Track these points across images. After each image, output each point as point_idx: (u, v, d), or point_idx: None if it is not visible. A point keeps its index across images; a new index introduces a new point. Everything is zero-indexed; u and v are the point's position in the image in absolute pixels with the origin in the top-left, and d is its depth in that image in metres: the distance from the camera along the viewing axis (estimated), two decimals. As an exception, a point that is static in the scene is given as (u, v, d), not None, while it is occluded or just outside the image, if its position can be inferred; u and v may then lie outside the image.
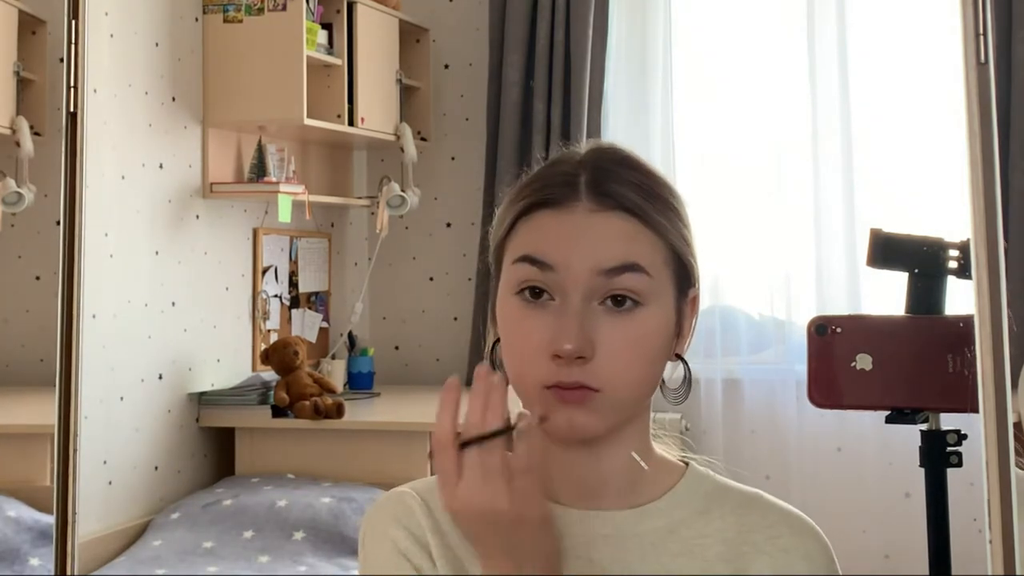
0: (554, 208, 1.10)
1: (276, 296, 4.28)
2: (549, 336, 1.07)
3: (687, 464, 1.20)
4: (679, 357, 1.16)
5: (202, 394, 3.84)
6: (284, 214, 3.93)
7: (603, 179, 1.10)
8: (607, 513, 1.13)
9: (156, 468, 3.63)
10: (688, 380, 1.17)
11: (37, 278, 3.00)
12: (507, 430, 1.02)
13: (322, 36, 4.05)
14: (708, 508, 1.16)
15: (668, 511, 1.15)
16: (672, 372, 1.17)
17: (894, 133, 4.32)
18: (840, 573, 1.16)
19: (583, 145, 1.17)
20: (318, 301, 4.56)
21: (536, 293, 1.09)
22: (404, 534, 1.14)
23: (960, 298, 2.33)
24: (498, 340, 1.15)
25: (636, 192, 1.10)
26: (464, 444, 1.02)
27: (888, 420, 2.34)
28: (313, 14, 3.98)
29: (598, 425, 1.09)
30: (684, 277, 1.13)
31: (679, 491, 1.16)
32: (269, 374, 3.96)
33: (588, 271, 1.07)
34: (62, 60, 1.64)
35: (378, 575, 1.13)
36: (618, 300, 1.08)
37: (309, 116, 3.86)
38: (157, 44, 3.68)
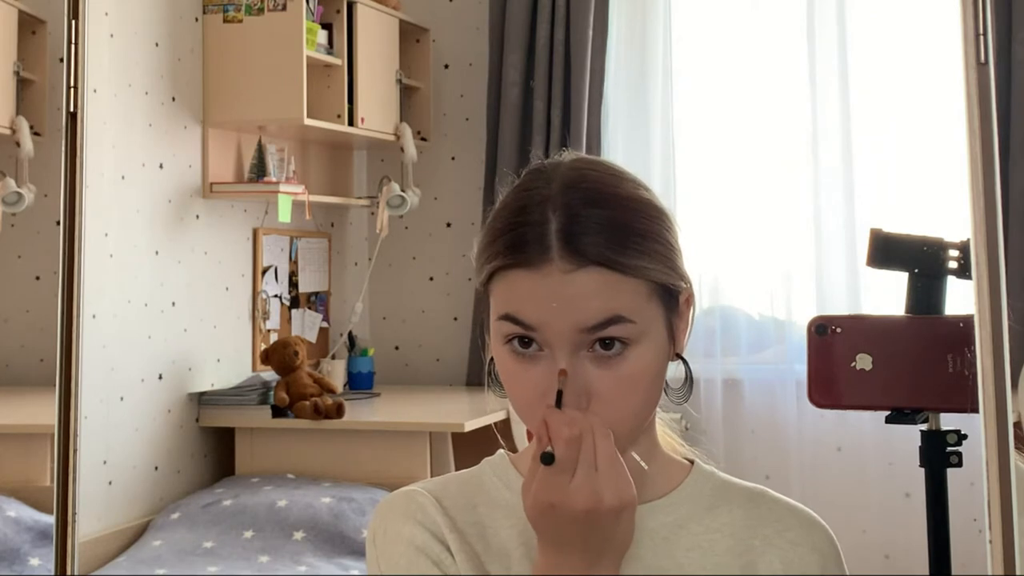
0: (528, 268, 1.07)
1: (276, 296, 4.28)
2: (543, 387, 1.08)
3: (692, 462, 1.21)
4: (679, 356, 1.15)
5: (202, 394, 3.84)
6: (284, 214, 3.93)
7: (574, 231, 1.07)
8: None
9: (156, 468, 3.63)
10: (689, 380, 1.18)
11: (37, 278, 3.00)
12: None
13: (322, 36, 4.05)
14: (715, 504, 1.17)
15: (676, 507, 1.16)
16: (674, 371, 1.17)
17: (894, 134, 4.32)
18: (845, 567, 1.17)
19: (555, 170, 1.13)
20: (318, 301, 4.56)
21: (525, 343, 1.09)
22: (420, 530, 1.13)
23: (960, 298, 2.33)
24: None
25: (609, 239, 1.07)
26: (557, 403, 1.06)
27: (888, 420, 2.34)
28: (313, 14, 3.98)
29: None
30: (671, 294, 1.12)
31: (686, 488, 1.18)
32: (269, 374, 3.96)
33: (570, 331, 1.06)
34: (62, 60, 1.64)
35: (396, 572, 1.12)
36: (606, 344, 1.07)
37: (309, 116, 3.86)
38: (157, 44, 3.68)
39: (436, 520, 1.14)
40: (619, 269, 1.07)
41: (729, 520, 1.16)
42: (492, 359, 1.15)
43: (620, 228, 1.08)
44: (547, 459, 1.03)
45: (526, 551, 1.13)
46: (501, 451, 1.23)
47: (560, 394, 1.05)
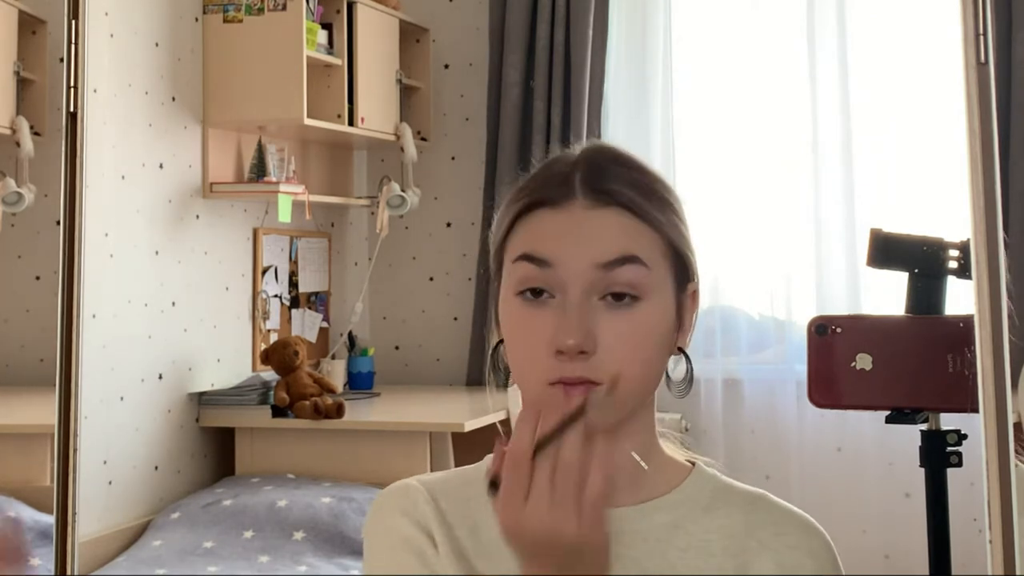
0: (551, 207, 1.11)
1: (276, 296, 4.28)
2: (551, 332, 1.07)
3: (693, 464, 1.21)
4: (681, 351, 1.16)
5: (202, 394, 3.84)
6: (284, 214, 3.93)
7: (598, 176, 1.11)
8: (611, 510, 1.13)
9: (156, 468, 3.63)
10: (690, 374, 1.18)
11: (37, 278, 3.00)
12: (581, 412, 0.98)
13: (322, 36, 4.05)
14: (713, 506, 1.16)
15: (673, 507, 1.15)
16: (674, 367, 1.17)
17: (894, 134, 4.32)
18: (844, 572, 1.16)
19: (579, 146, 1.18)
20: (318, 301, 4.56)
21: (536, 292, 1.10)
22: (406, 521, 1.15)
23: (960, 298, 2.33)
24: (500, 342, 1.16)
25: (631, 188, 1.11)
26: (540, 445, 0.98)
27: (888, 420, 2.34)
28: (313, 14, 3.98)
29: (600, 420, 1.08)
30: (682, 270, 1.14)
31: (685, 489, 1.17)
32: (269, 374, 3.96)
33: (586, 266, 1.08)
34: (62, 60, 1.64)
35: (380, 563, 1.15)
36: (617, 295, 1.09)
37: (309, 116, 3.86)
38: (157, 44, 3.68)
39: (426, 512, 1.15)
40: (640, 215, 1.10)
41: (727, 522, 1.15)
42: (495, 347, 1.16)
43: (642, 184, 1.13)
44: (492, 487, 0.99)
45: None
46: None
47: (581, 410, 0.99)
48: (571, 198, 1.10)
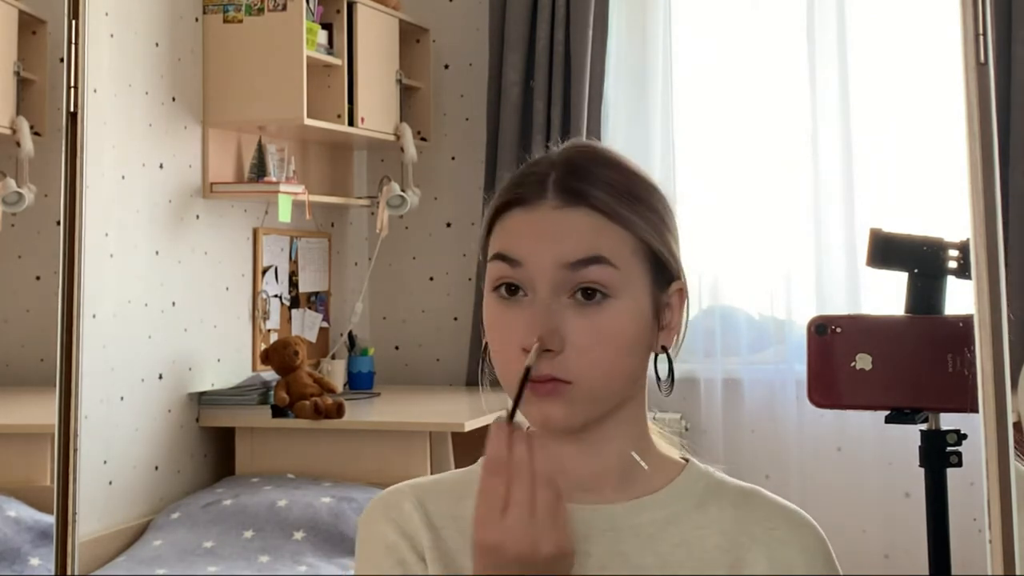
0: (523, 207, 1.12)
1: (276, 296, 4.28)
2: (523, 333, 1.09)
3: (687, 460, 1.21)
4: (664, 350, 1.16)
5: (202, 394, 3.84)
6: (284, 214, 3.93)
7: (572, 177, 1.12)
8: (603, 507, 1.14)
9: (156, 468, 3.63)
10: (671, 373, 1.16)
11: (37, 278, 3.00)
12: (526, 375, 1.05)
13: (322, 36, 4.05)
14: (706, 501, 1.17)
15: (666, 503, 1.16)
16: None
17: (894, 134, 4.32)
18: (838, 568, 1.16)
19: (560, 145, 1.19)
20: (318, 301, 4.56)
21: (512, 290, 1.11)
22: (392, 528, 1.16)
23: (960, 298, 2.33)
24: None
25: (604, 189, 1.12)
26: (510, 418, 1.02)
27: (888, 420, 2.34)
28: (313, 14, 3.98)
29: (571, 418, 1.11)
30: (661, 270, 1.14)
31: (678, 485, 1.17)
32: (269, 374, 3.96)
33: (553, 265, 1.09)
34: (62, 60, 1.64)
35: (364, 568, 1.16)
36: (588, 293, 1.10)
37: (309, 116, 3.86)
38: (157, 44, 3.68)
39: (412, 518, 1.16)
40: (608, 215, 1.11)
41: (719, 517, 1.15)
42: (484, 346, 1.16)
43: (617, 184, 1.13)
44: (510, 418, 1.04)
45: None
46: None
47: (527, 372, 1.05)
48: (542, 198, 1.12)
